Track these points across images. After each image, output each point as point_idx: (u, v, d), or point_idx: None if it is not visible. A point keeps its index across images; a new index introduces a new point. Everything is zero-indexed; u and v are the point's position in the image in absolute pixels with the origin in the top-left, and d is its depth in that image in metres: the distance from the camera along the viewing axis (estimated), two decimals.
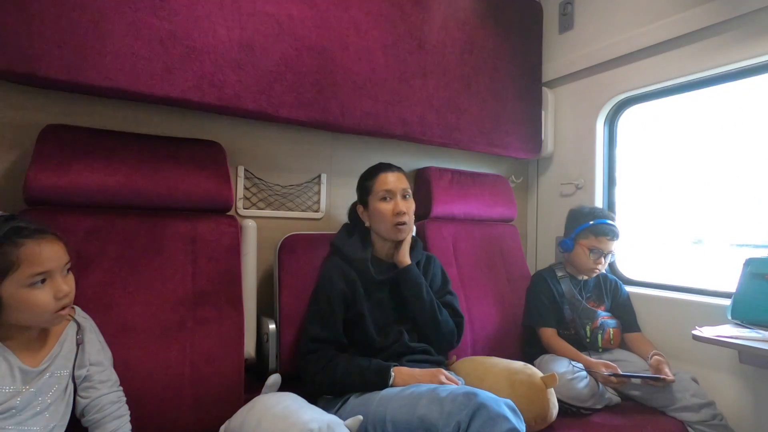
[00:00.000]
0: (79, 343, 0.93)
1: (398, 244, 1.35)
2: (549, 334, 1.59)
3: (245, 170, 1.51)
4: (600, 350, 1.57)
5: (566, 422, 1.28)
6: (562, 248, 1.71)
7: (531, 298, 1.72)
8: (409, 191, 1.35)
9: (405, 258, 1.34)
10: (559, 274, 1.70)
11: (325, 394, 1.21)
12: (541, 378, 1.22)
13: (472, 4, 1.78)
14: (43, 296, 0.83)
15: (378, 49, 1.52)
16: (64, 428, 0.90)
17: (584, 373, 1.38)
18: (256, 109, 1.30)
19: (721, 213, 1.87)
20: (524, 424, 0.95)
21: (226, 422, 1.07)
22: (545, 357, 1.53)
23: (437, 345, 1.35)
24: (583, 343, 1.56)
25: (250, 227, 1.39)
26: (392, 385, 1.13)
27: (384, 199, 1.31)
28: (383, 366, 1.16)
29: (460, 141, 1.74)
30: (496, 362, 1.35)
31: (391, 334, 1.28)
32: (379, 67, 1.52)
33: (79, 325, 0.95)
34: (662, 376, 1.36)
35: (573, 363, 1.42)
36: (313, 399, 1.13)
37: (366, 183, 1.36)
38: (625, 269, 1.87)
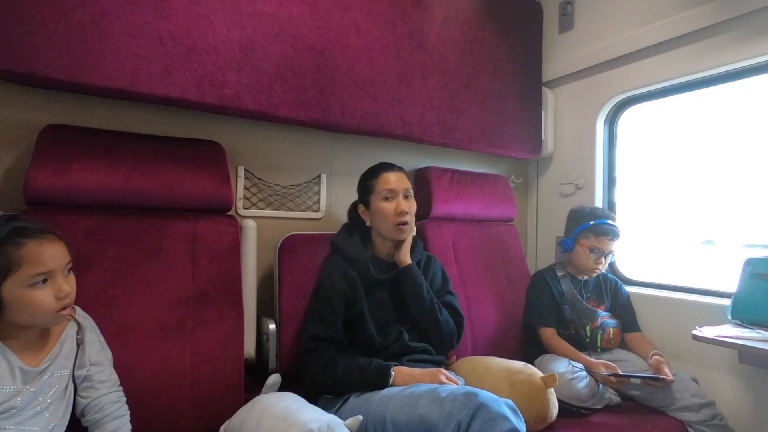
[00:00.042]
0: (80, 343, 0.93)
1: (399, 243, 1.35)
2: (549, 333, 1.59)
3: (245, 170, 1.51)
4: (600, 350, 1.57)
5: (566, 422, 1.28)
6: (562, 248, 1.71)
7: (531, 298, 1.72)
8: (411, 191, 1.35)
9: (406, 257, 1.34)
10: (560, 274, 1.70)
11: (325, 393, 1.21)
12: (541, 378, 1.22)
13: (472, 4, 1.78)
14: (45, 296, 0.83)
15: (378, 49, 1.52)
16: (64, 428, 0.90)
17: (584, 373, 1.38)
18: (256, 109, 1.30)
19: (733, 213, 1.86)
20: (524, 424, 0.95)
21: (226, 422, 1.07)
22: (545, 357, 1.53)
23: (437, 345, 1.35)
24: (583, 343, 1.56)
25: (250, 227, 1.39)
26: (392, 385, 1.13)
27: (386, 198, 1.31)
28: (383, 366, 1.16)
29: (460, 141, 1.74)
30: (496, 362, 1.35)
31: (392, 334, 1.28)
32: (379, 67, 1.52)
33: (79, 325, 0.95)
34: (662, 376, 1.36)
35: (573, 363, 1.42)
36: (313, 399, 1.13)
37: (368, 182, 1.36)
38: (628, 270, 1.87)
